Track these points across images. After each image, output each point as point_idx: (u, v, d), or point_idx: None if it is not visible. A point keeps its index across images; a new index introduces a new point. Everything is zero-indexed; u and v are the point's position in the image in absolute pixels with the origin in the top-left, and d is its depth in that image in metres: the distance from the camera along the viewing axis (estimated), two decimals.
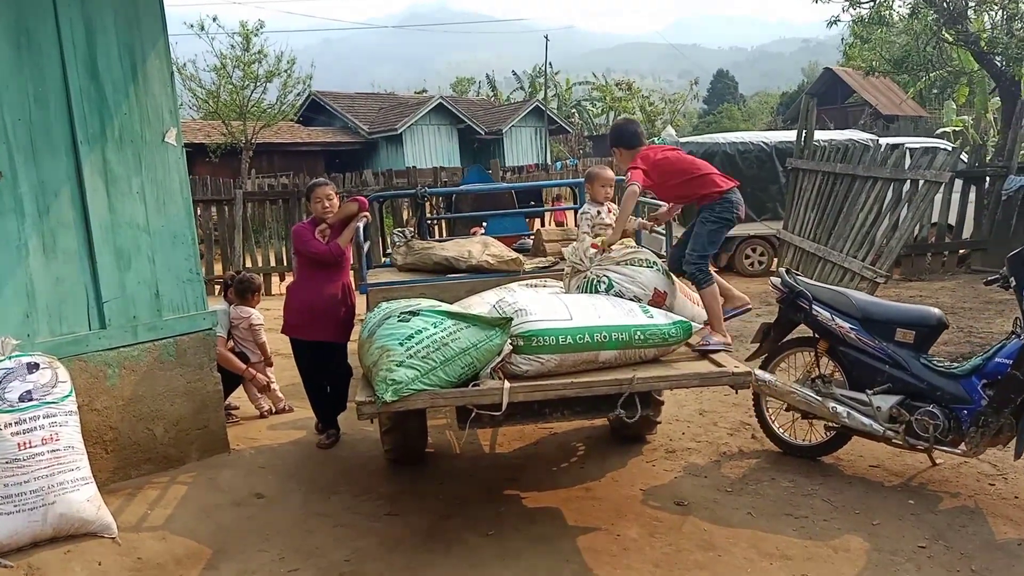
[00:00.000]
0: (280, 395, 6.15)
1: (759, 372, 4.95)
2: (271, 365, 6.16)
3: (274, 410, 6.10)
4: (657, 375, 3.88)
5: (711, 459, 5.04)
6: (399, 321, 3.84)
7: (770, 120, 45.42)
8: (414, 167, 17.18)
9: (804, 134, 11.14)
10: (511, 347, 3.83)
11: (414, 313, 3.86)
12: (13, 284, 4.14)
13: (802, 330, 5.00)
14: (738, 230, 12.11)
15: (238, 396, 6.10)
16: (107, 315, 4.52)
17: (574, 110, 51.78)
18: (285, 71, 24.67)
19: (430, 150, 32.63)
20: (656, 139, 13.95)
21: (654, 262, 4.49)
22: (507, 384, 3.69)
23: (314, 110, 33.44)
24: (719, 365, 3.97)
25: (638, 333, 3.99)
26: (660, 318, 4.12)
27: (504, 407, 3.65)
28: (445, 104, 34.15)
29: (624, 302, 4.21)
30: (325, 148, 31.18)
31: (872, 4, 18.67)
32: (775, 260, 11.73)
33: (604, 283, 4.35)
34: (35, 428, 3.71)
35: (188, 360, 4.91)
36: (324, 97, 33.73)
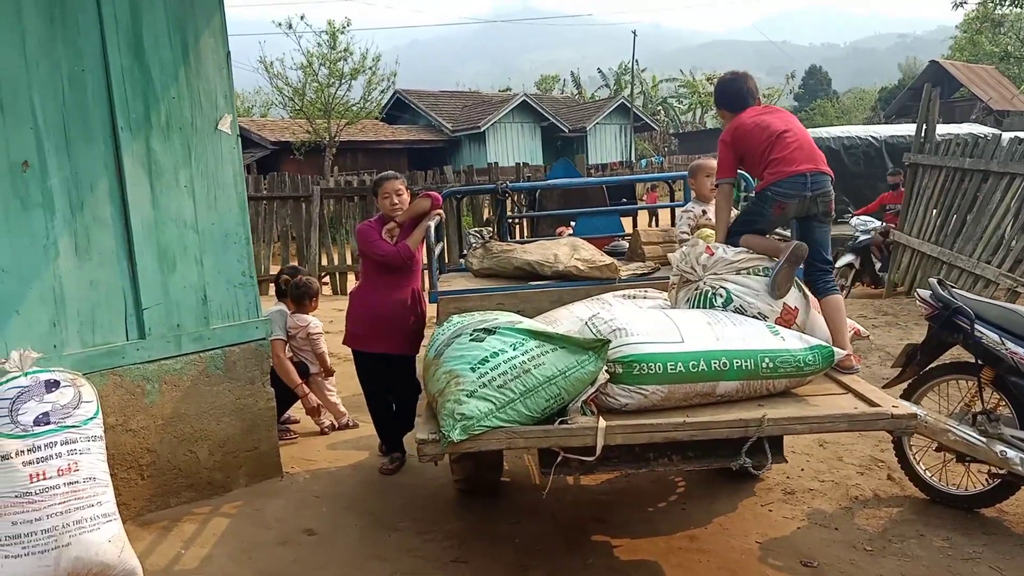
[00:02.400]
0: (342, 409, 5.61)
1: (904, 404, 4.10)
2: (331, 374, 5.61)
3: (336, 426, 5.56)
4: (792, 415, 3.11)
5: (840, 505, 4.24)
6: (471, 340, 3.18)
7: (869, 116, 43.20)
8: (495, 164, 16.63)
9: (925, 127, 10.17)
10: (607, 375, 3.13)
11: (490, 331, 3.19)
12: (39, 288, 3.67)
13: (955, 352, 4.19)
14: (843, 230, 11.42)
15: (299, 407, 5.58)
16: (147, 323, 4.02)
17: (660, 107, 50.67)
18: (370, 68, 24.64)
19: (513, 148, 32.36)
20: None
21: None
22: (602, 423, 3.00)
23: (399, 108, 33.61)
24: (871, 403, 3.17)
25: (766, 360, 3.25)
26: (793, 341, 3.35)
27: (598, 451, 2.95)
28: (529, 101, 33.84)
29: (747, 320, 3.45)
30: (408, 146, 31.15)
31: None
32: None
33: (721, 296, 3.60)
34: (51, 456, 3.20)
35: (238, 374, 4.38)
36: (408, 95, 33.83)
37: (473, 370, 3.04)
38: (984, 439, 3.88)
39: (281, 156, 26.15)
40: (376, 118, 31.27)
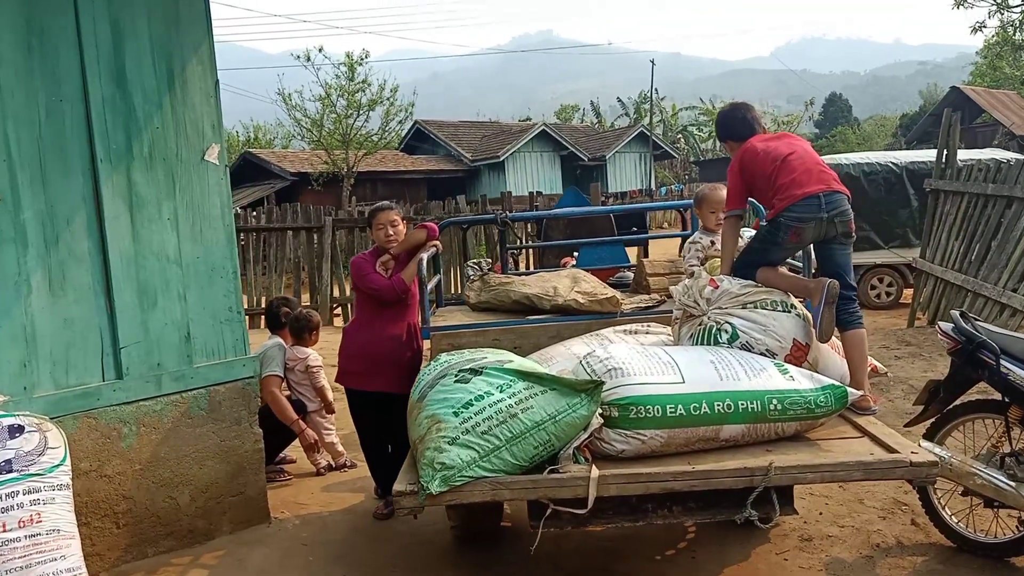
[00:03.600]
0: (340, 449, 5.38)
1: (926, 444, 3.83)
2: (332, 412, 5.41)
3: (333, 466, 5.34)
4: (802, 462, 2.87)
5: (861, 553, 3.94)
6: (456, 382, 2.98)
7: (891, 142, 42.75)
8: (509, 193, 16.46)
9: (946, 152, 9.92)
10: (602, 419, 2.91)
11: (476, 371, 2.99)
12: (9, 326, 3.50)
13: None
14: (864, 258, 11.16)
15: (296, 446, 5.37)
16: (124, 363, 3.84)
17: (680, 135, 50.55)
18: (388, 99, 24.74)
19: (532, 177, 32.36)
20: None
21: (792, 305, 3.47)
22: (595, 472, 2.77)
23: (418, 139, 33.81)
24: (889, 448, 2.91)
25: (774, 401, 3.02)
26: (803, 381, 3.12)
27: (591, 503, 2.72)
28: (548, 131, 33.93)
29: (754, 358, 3.22)
30: (428, 176, 31.25)
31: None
32: (904, 291, 10.96)
33: (726, 332, 3.37)
34: (12, 507, 3.02)
35: (222, 414, 4.19)
36: (428, 126, 34.04)
37: (456, 414, 2.83)
38: (1013, 483, 3.58)
39: (300, 187, 26.29)
40: (395, 148, 31.43)
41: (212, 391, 4.15)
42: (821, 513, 4.37)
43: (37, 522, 3.07)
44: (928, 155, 12.05)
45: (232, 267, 4.27)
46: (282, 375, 5.15)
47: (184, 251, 4.07)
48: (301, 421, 5.08)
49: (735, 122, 3.84)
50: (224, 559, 4.00)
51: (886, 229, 11.57)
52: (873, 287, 11.22)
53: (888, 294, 11.19)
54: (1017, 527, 3.72)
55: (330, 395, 5.40)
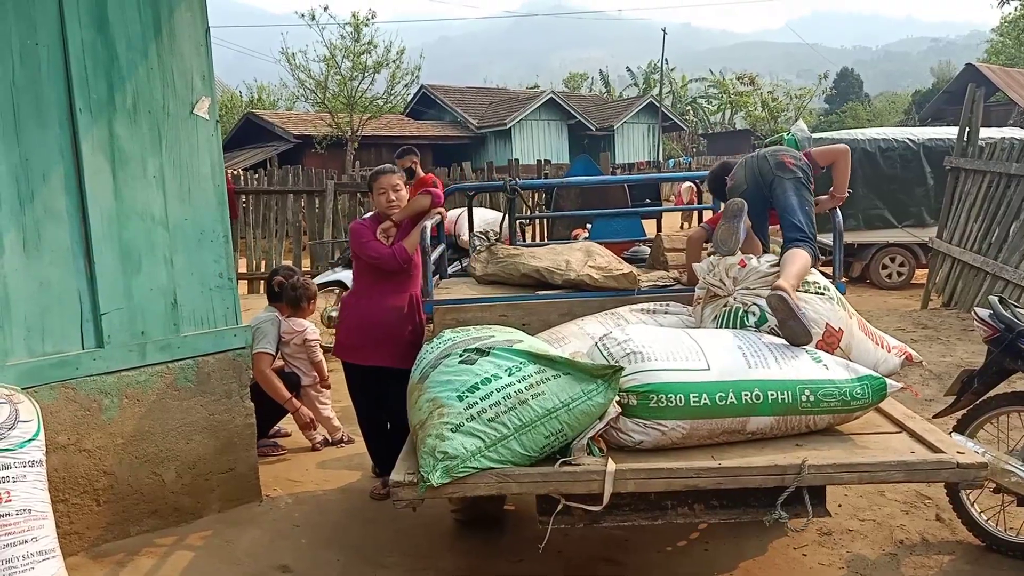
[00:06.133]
0: (337, 423, 5.16)
1: (957, 438, 3.59)
2: (328, 387, 5.17)
3: (330, 441, 5.12)
4: (837, 460, 2.62)
5: (883, 550, 3.73)
6: (460, 362, 2.72)
7: (902, 120, 42.14)
8: (516, 160, 16.11)
9: (968, 130, 9.62)
10: (619, 407, 2.66)
11: (482, 352, 2.73)
12: None
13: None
14: (876, 237, 10.90)
15: (289, 420, 5.14)
16: (106, 330, 3.58)
17: (689, 107, 49.90)
18: (394, 62, 24.25)
19: (539, 145, 31.94)
20: (786, 136, 12.39)
21: (826, 287, 3.20)
22: (611, 465, 2.53)
23: (424, 104, 33.30)
24: (932, 447, 2.66)
25: (806, 392, 2.78)
26: (838, 370, 2.87)
27: (606, 499, 2.48)
28: (556, 99, 33.42)
29: (784, 344, 2.95)
30: (433, 142, 30.80)
31: None
32: (916, 272, 10.80)
33: (753, 315, 3.11)
34: None
35: (212, 387, 3.95)
36: (434, 91, 33.51)
37: (460, 399, 2.58)
38: None
39: (303, 150, 25.89)
40: (401, 113, 30.91)
41: (200, 362, 3.90)
42: (840, 505, 4.15)
43: (6, 501, 2.84)
44: (947, 132, 11.75)
45: (223, 230, 4.00)
46: (274, 352, 4.88)
47: (171, 212, 3.80)
48: (295, 400, 4.83)
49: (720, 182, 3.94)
50: (211, 539, 3.78)
51: (900, 207, 11.38)
52: (885, 267, 11.02)
53: (900, 274, 10.95)
54: None
55: (326, 370, 5.17)
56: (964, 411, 3.82)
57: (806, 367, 2.85)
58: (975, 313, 3.87)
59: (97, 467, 3.60)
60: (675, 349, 2.78)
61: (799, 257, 3.17)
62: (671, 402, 2.65)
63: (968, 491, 3.76)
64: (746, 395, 2.71)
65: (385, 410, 4.34)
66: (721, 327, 3.17)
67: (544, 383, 2.60)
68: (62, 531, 3.39)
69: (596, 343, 2.90)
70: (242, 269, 11.41)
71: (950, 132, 11.27)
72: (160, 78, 3.76)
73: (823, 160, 3.74)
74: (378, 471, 4.49)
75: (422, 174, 7.50)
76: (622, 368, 2.64)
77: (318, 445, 5.06)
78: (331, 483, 4.55)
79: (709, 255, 3.68)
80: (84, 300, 3.55)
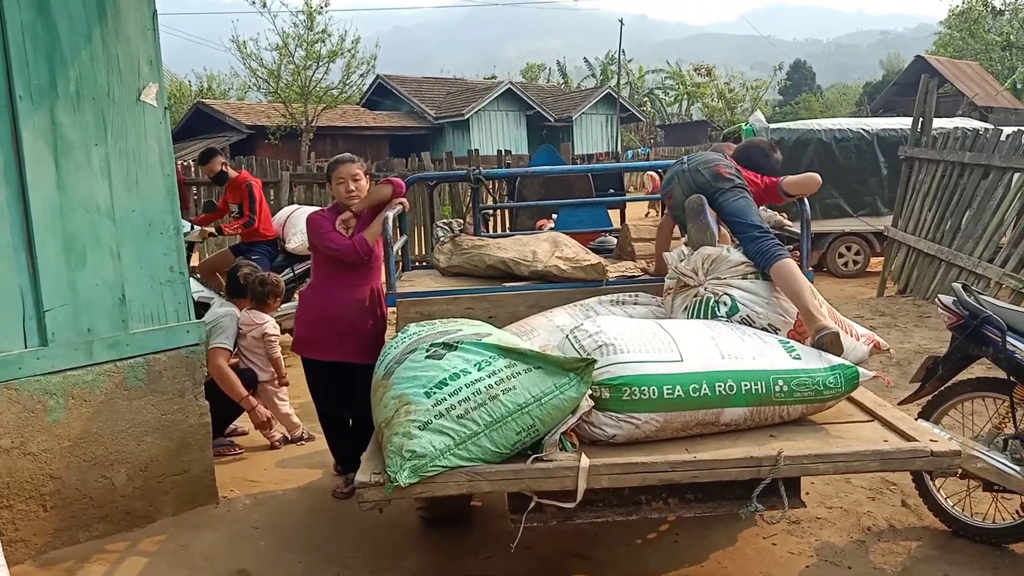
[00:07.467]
0: (296, 420, 5.02)
1: (924, 425, 3.60)
2: (286, 384, 5.02)
3: (289, 439, 4.97)
4: (813, 451, 2.59)
5: (851, 537, 3.75)
6: (427, 357, 2.62)
7: (854, 111, 42.94)
8: (475, 150, 15.96)
9: (922, 120, 9.75)
10: (592, 401, 2.58)
11: (450, 346, 2.64)
12: None
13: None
14: (832, 226, 11.05)
15: (246, 418, 4.98)
16: (49, 328, 3.40)
17: (646, 98, 50.24)
18: (349, 51, 23.91)
19: (497, 136, 31.83)
20: (744, 126, 12.52)
21: None
22: (585, 461, 2.46)
23: (380, 94, 32.92)
24: (905, 436, 2.64)
25: (780, 382, 2.74)
26: (811, 360, 2.84)
27: (580, 495, 2.41)
28: (514, 89, 33.34)
29: (756, 334, 2.92)
30: (390, 132, 30.49)
31: None
32: (871, 260, 10.99)
33: (725, 304, 3.07)
34: None
35: (164, 386, 3.78)
36: (391, 81, 33.15)
37: (428, 395, 2.49)
38: (1018, 467, 3.39)
39: (256, 141, 25.40)
40: (357, 103, 30.50)
41: (151, 360, 3.74)
42: (807, 493, 4.11)
43: None
44: (900, 123, 11.93)
45: (173, 222, 3.84)
46: (232, 348, 4.72)
47: (117, 203, 3.63)
48: (252, 397, 4.68)
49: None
50: (165, 544, 3.63)
51: (855, 197, 11.47)
52: (841, 255, 11.20)
53: (855, 262, 11.16)
54: (1018, 512, 3.56)
55: (283, 367, 5.02)
56: (929, 397, 3.84)
57: (779, 357, 2.81)
58: (939, 300, 3.89)
59: (43, 471, 3.42)
60: (647, 341, 2.72)
61: (792, 278, 3.10)
62: (644, 395, 2.59)
63: (934, 477, 3.79)
64: (720, 386, 2.67)
65: (347, 406, 4.22)
66: (692, 317, 3.12)
67: (515, 377, 2.52)
68: (7, 539, 3.25)
69: (567, 335, 2.82)
70: (194, 263, 11.12)
71: (903, 123, 11.43)
72: (105, 63, 3.57)
73: (795, 191, 3.68)
74: (340, 469, 4.38)
75: (233, 174, 7.41)
76: (595, 361, 2.56)
77: (277, 443, 4.92)
78: (291, 482, 4.42)
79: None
80: (26, 296, 3.36)
